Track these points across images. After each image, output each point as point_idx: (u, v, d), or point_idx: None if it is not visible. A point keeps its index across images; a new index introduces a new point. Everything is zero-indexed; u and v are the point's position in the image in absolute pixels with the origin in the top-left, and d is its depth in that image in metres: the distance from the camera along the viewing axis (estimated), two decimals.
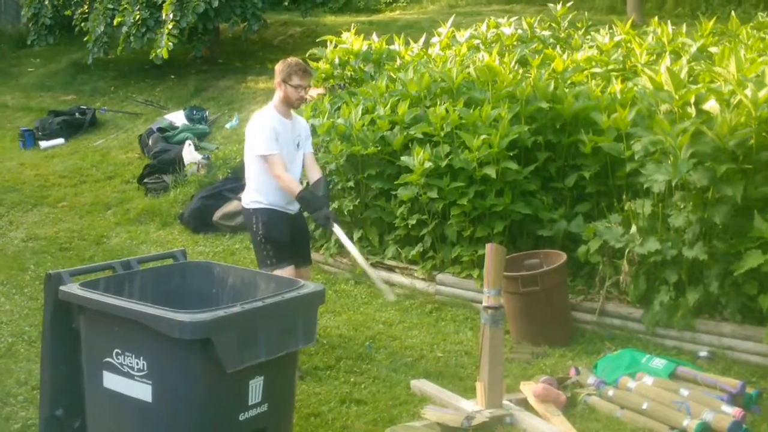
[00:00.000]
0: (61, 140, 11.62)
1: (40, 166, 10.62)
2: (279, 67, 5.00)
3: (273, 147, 4.89)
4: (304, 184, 5.44)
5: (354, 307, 6.05)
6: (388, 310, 5.97)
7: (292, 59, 5.05)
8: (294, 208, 5.12)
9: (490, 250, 4.14)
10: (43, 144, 11.54)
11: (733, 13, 8.43)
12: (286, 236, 5.04)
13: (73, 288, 3.40)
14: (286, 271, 4.92)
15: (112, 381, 3.26)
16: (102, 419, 3.40)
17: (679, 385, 4.24)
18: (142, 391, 3.16)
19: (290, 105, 5.01)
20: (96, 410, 3.42)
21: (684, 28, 7.47)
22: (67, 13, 13.86)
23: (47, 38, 14.15)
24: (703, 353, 4.88)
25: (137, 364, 3.16)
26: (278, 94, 4.99)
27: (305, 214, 5.31)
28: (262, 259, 5.05)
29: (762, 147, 4.69)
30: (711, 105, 4.90)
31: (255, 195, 5.03)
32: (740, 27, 7.21)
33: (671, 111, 5.07)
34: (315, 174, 5.17)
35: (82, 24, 13.30)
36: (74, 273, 3.63)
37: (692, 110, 4.98)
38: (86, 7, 13.53)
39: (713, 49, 6.44)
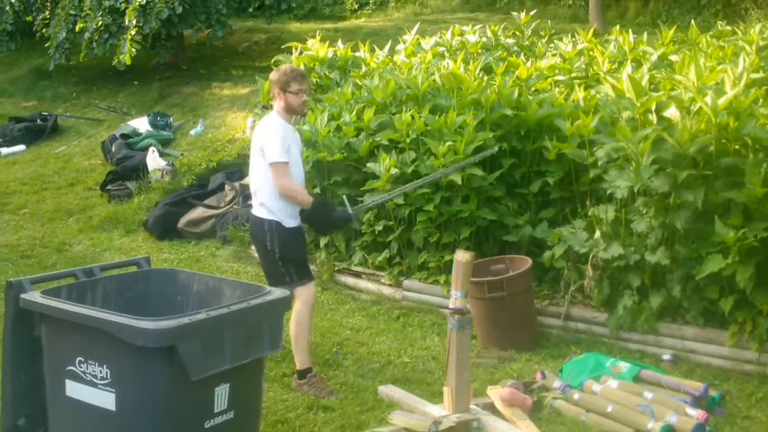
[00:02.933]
0: (22, 147, 11.46)
1: (1, 173, 10.46)
2: (274, 76, 4.77)
3: (283, 154, 4.65)
4: None
5: (321, 314, 6.02)
6: (356, 317, 5.97)
7: (284, 66, 4.87)
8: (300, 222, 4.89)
9: (459, 255, 4.15)
10: (3, 151, 11.38)
11: (693, 21, 8.57)
12: (303, 252, 4.93)
13: (34, 296, 3.36)
14: (309, 288, 4.81)
15: (74, 389, 3.22)
16: (65, 428, 3.35)
17: (643, 388, 4.28)
18: (105, 399, 3.12)
19: (294, 112, 4.80)
20: (59, 419, 3.37)
21: (645, 36, 7.59)
22: (28, 18, 13.67)
23: (8, 44, 13.94)
24: (666, 356, 4.94)
25: (100, 372, 3.13)
26: (279, 104, 4.76)
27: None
28: (278, 276, 4.75)
29: (722, 153, 4.77)
30: (672, 112, 4.97)
31: (275, 208, 4.73)
32: (700, 35, 7.33)
33: (633, 118, 5.14)
34: None
35: (44, 30, 13.14)
36: (35, 281, 3.58)
37: (653, 117, 5.05)
38: (48, 12, 13.36)
39: (674, 58, 6.55)
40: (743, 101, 4.73)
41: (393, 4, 18.63)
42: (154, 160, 9.31)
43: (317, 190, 6.64)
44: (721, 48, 6.63)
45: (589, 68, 6.98)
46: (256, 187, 4.84)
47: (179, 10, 11.75)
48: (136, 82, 13.22)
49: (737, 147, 4.79)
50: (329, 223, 4.96)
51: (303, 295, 4.76)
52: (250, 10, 14.15)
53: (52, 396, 3.35)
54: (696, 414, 3.96)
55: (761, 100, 4.97)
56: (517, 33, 8.76)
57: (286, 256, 4.74)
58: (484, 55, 7.62)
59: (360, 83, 7.22)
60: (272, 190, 4.70)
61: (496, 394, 4.34)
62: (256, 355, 3.37)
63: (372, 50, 8.30)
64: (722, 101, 4.68)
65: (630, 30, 7.58)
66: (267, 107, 8.17)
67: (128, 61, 11.41)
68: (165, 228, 8.12)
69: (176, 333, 3.01)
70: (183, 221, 8.08)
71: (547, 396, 4.40)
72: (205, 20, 12.37)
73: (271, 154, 4.64)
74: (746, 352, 4.72)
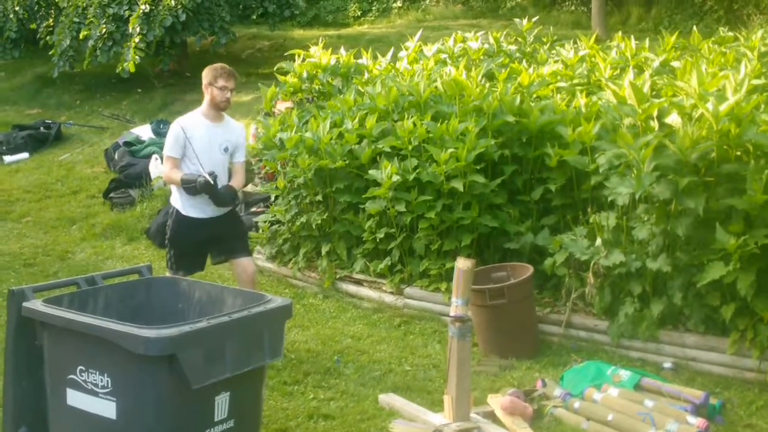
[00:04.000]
0: (25, 155, 11.50)
1: (4, 181, 10.49)
2: (205, 72, 5.25)
3: (172, 150, 5.14)
4: None
5: (322, 322, 6.04)
6: (357, 324, 5.97)
7: (217, 64, 5.33)
8: (212, 212, 5.21)
9: (460, 263, 4.16)
10: (7, 158, 11.41)
11: (695, 28, 8.57)
12: (189, 248, 5.28)
13: (36, 304, 3.36)
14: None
15: (75, 398, 3.22)
16: None
17: (643, 396, 4.27)
18: (106, 408, 3.13)
19: (217, 107, 5.21)
20: (60, 428, 3.37)
21: (647, 42, 7.58)
22: (32, 26, 13.76)
23: (12, 52, 14.04)
24: (667, 364, 4.93)
25: (101, 381, 3.13)
26: (206, 98, 5.23)
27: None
28: (167, 258, 5.37)
29: (723, 160, 4.76)
30: (673, 119, 4.97)
31: (174, 196, 5.30)
32: (702, 42, 7.33)
33: (634, 125, 5.14)
34: (235, 182, 5.34)
35: (48, 37, 13.21)
36: (37, 289, 3.59)
37: (655, 124, 5.05)
38: (51, 20, 13.43)
39: (675, 64, 6.55)
40: (745, 107, 4.73)
41: (395, 11, 18.68)
42: (156, 168, 9.32)
43: (319, 198, 6.65)
44: (722, 54, 6.63)
45: (591, 75, 6.98)
46: None
47: (183, 17, 11.80)
48: (139, 90, 13.27)
49: (738, 153, 4.78)
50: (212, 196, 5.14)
51: None
52: (254, 17, 14.21)
53: (53, 405, 3.36)
54: (696, 422, 3.95)
55: (763, 107, 4.97)
56: (520, 39, 8.76)
57: (172, 240, 5.29)
58: (486, 62, 7.62)
59: (362, 90, 7.23)
60: None
61: (496, 402, 4.34)
62: (257, 364, 3.37)
63: (374, 57, 8.31)
64: (724, 107, 4.67)
65: (632, 36, 7.58)
66: (269, 114, 8.18)
67: (132, 69, 11.46)
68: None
69: (177, 341, 3.02)
70: None
71: (548, 404, 4.39)
72: (208, 27, 12.43)
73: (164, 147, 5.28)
74: (747, 360, 4.70)
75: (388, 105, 6.63)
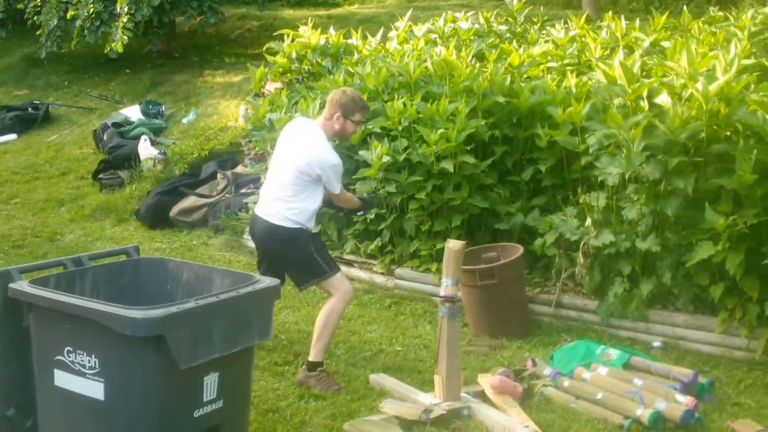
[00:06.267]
0: (13, 136, 11.41)
1: None
2: (341, 99, 4.69)
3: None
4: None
5: (313, 303, 6.03)
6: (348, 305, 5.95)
7: (354, 93, 4.78)
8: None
9: (450, 243, 4.16)
10: None
11: (685, 8, 8.54)
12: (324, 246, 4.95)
13: (22, 285, 3.33)
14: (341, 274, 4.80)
15: (63, 379, 3.20)
16: (54, 418, 3.34)
17: (633, 375, 4.29)
18: (94, 389, 3.11)
19: (344, 139, 4.94)
20: (48, 409, 3.36)
21: (637, 22, 7.56)
22: (20, 6, 13.58)
23: None
24: (656, 343, 4.95)
25: (89, 362, 3.11)
26: (332, 125, 4.71)
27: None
28: (319, 272, 4.71)
29: (713, 140, 4.77)
30: (663, 99, 4.96)
31: (299, 217, 4.65)
32: (692, 22, 7.32)
33: (624, 105, 5.13)
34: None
35: (35, 17, 13.05)
36: (24, 270, 3.56)
37: (645, 104, 5.05)
38: (39, 0, 13.27)
39: (666, 44, 6.53)
40: (734, 87, 4.72)
41: None
42: (145, 149, 9.28)
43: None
44: (713, 34, 6.61)
45: (581, 55, 6.97)
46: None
47: None
48: (128, 70, 13.16)
49: (728, 133, 4.79)
50: None
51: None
52: None
53: (41, 386, 3.34)
54: (685, 401, 3.98)
55: (752, 87, 4.97)
56: (510, 19, 8.74)
57: (316, 249, 4.76)
58: (477, 42, 7.59)
59: (352, 71, 7.19)
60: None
61: (486, 381, 4.35)
62: (246, 344, 3.36)
63: (364, 37, 8.27)
64: (713, 87, 4.67)
65: (622, 16, 7.55)
66: (259, 95, 8.14)
67: (120, 49, 11.35)
68: (157, 217, 8.11)
69: (165, 322, 3.00)
70: (175, 210, 8.07)
71: (538, 383, 4.41)
72: (197, 7, 12.30)
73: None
74: (736, 339, 4.73)
75: (378, 85, 6.59)
